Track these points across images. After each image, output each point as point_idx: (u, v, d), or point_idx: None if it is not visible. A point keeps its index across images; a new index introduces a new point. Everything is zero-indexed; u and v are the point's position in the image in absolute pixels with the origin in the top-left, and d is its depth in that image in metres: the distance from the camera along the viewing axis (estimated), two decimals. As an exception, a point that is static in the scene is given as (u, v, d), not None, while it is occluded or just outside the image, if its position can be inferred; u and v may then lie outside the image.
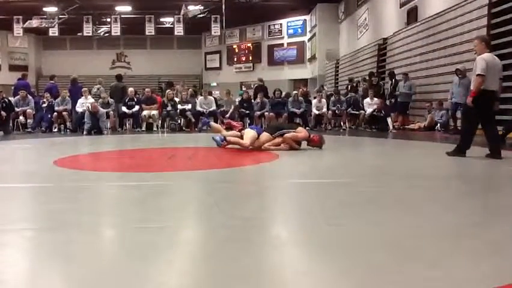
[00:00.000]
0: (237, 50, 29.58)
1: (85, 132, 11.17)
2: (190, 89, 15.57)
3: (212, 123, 7.63)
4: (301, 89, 14.56)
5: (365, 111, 12.32)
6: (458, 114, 10.12)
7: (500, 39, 9.50)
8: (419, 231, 2.78)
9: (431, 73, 12.37)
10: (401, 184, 4.43)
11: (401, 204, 3.54)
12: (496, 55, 6.32)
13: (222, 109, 13.19)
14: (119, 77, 14.15)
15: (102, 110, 11.61)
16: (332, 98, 13.09)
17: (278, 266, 2.23)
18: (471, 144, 6.11)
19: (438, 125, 11.21)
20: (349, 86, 15.41)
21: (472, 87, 6.03)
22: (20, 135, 11.22)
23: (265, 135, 7.18)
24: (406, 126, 12.11)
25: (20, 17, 23.22)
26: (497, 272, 2.08)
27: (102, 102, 12.33)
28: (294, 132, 7.22)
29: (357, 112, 12.59)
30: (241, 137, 7.18)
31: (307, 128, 10.84)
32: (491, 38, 7.41)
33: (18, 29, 23.97)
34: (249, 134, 7.16)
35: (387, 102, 12.69)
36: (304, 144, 7.33)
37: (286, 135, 7.13)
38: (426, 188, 4.23)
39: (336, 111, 12.62)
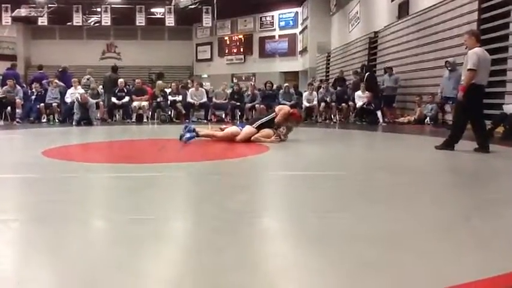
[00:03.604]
0: (228, 42, 29.43)
1: (74, 123, 11.10)
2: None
3: (200, 132, 7.38)
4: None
5: (355, 104, 12.39)
6: (447, 108, 10.23)
7: (490, 34, 9.56)
8: (408, 224, 2.80)
9: (421, 67, 12.43)
10: (389, 177, 4.46)
11: (389, 197, 3.57)
12: (485, 50, 6.35)
13: (215, 101, 13.14)
14: (114, 69, 14.07)
15: (91, 101, 11.53)
16: (321, 90, 13.14)
17: (267, 258, 2.23)
18: (460, 139, 6.16)
19: (428, 118, 11.28)
20: (334, 80, 15.47)
21: (462, 82, 6.07)
22: (8, 125, 11.11)
23: (247, 128, 7.28)
24: (396, 120, 12.17)
25: (8, 5, 22.92)
26: (484, 264, 2.11)
27: (92, 93, 12.26)
28: (275, 114, 7.39)
29: (341, 106, 12.64)
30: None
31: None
32: (481, 33, 7.43)
33: (6, 18, 23.65)
34: (230, 129, 7.33)
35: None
36: (295, 136, 7.35)
37: (278, 118, 7.28)
38: (415, 181, 4.26)
39: (327, 100, 12.66)
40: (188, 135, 7.01)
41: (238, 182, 4.25)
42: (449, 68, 9.84)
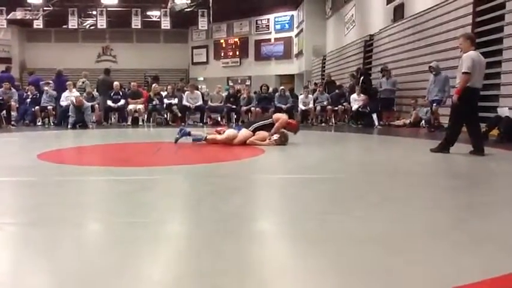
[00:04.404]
0: (224, 45, 29.45)
1: (69, 126, 11.07)
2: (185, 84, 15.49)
3: (208, 137, 7.45)
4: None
5: (351, 107, 12.43)
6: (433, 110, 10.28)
7: (485, 37, 9.61)
8: (405, 226, 2.81)
9: (416, 70, 12.46)
10: (386, 180, 4.47)
11: (386, 199, 3.57)
12: (480, 53, 6.38)
13: (210, 104, 13.16)
14: (107, 71, 14.05)
15: (87, 104, 11.51)
16: (316, 93, 13.16)
17: (264, 261, 2.23)
18: (455, 142, 6.18)
19: (423, 121, 11.31)
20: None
21: (457, 85, 6.10)
22: (4, 128, 11.06)
23: (243, 131, 7.30)
24: (391, 123, 12.20)
25: (4, 8, 22.82)
26: (481, 265, 2.11)
27: (87, 96, 12.23)
28: (272, 121, 7.42)
29: (336, 108, 12.68)
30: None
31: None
32: (476, 36, 7.47)
33: (1, 21, 23.53)
34: (229, 132, 7.29)
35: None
36: (291, 139, 7.36)
37: (276, 126, 7.31)
38: (411, 184, 4.27)
39: (324, 103, 12.70)
40: (197, 137, 7.24)
41: (234, 184, 4.25)
42: (433, 73, 9.92)
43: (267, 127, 7.39)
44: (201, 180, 4.42)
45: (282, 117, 7.65)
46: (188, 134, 7.31)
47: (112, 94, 12.59)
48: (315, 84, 16.26)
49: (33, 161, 5.50)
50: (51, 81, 12.75)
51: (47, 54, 28.04)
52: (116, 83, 12.96)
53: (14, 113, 11.76)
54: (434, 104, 9.91)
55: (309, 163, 5.81)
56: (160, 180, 4.40)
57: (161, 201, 3.53)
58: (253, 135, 7.26)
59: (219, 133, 7.50)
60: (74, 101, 11.21)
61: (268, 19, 27.52)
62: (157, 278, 2.01)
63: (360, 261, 2.18)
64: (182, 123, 11.93)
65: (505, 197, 3.73)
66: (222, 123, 12.50)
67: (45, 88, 12.41)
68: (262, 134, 7.29)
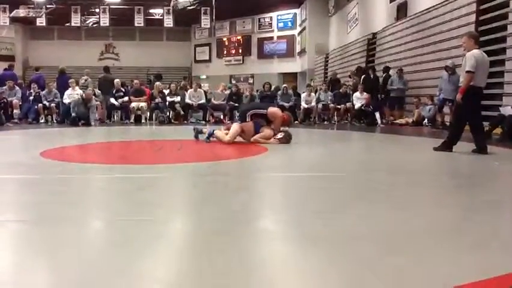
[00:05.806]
0: (226, 43, 29.43)
1: (68, 122, 11.08)
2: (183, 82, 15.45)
3: (216, 132, 7.43)
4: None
5: (353, 105, 12.39)
6: (446, 109, 10.25)
7: (488, 35, 9.58)
8: (407, 225, 2.80)
9: (419, 68, 12.44)
10: (388, 178, 4.46)
11: (388, 198, 3.56)
12: (483, 52, 6.36)
13: (213, 102, 13.16)
14: (107, 69, 14.06)
15: (94, 102, 11.52)
16: (321, 91, 13.12)
17: (266, 259, 2.23)
18: (458, 140, 6.17)
19: (426, 120, 11.28)
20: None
21: (461, 84, 6.08)
22: (7, 125, 11.08)
23: (244, 125, 7.29)
24: (394, 121, 12.17)
25: (7, 6, 22.86)
26: (483, 265, 2.11)
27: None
28: (267, 113, 7.42)
29: (339, 106, 12.65)
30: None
31: (295, 121, 10.97)
32: (479, 35, 7.44)
33: (4, 19, 23.57)
34: (233, 128, 7.23)
35: (379, 96, 12.67)
36: (294, 139, 7.34)
37: (276, 124, 7.34)
38: (413, 182, 4.26)
39: (325, 103, 12.68)
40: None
41: (237, 183, 4.25)
42: (449, 72, 9.86)
43: (260, 117, 7.41)
44: (203, 179, 4.42)
45: (277, 113, 7.53)
46: (201, 131, 7.48)
47: (114, 92, 12.60)
48: (324, 81, 16.17)
49: (36, 159, 5.50)
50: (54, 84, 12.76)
51: (50, 52, 28.08)
52: (117, 80, 12.97)
53: (16, 111, 11.76)
54: (450, 104, 9.72)
55: (312, 161, 5.81)
56: (162, 179, 4.40)
57: (164, 200, 3.53)
58: (250, 121, 7.31)
59: (227, 129, 7.48)
60: (84, 95, 11.25)
61: (271, 17, 27.48)
62: (158, 277, 2.01)
63: (361, 260, 2.17)
64: (185, 122, 11.94)
65: (507, 196, 3.72)
66: (224, 121, 12.50)
67: (46, 89, 12.43)
68: (266, 132, 7.26)
